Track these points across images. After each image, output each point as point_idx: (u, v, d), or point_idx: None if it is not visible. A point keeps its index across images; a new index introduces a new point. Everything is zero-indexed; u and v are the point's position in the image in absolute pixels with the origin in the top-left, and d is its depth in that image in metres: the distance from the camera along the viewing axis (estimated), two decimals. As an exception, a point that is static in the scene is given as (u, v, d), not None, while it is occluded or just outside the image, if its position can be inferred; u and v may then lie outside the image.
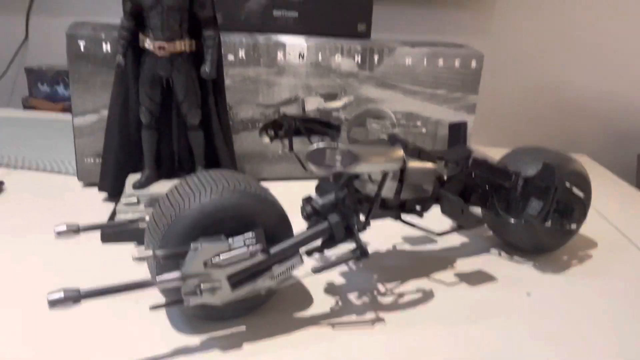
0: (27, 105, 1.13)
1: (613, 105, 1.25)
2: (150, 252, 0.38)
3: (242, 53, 0.71)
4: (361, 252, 0.42)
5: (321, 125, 0.51)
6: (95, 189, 0.66)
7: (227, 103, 0.63)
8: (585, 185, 0.57)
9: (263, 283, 0.41)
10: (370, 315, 0.46)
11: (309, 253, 0.44)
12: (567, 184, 0.54)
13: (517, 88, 1.24)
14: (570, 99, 1.25)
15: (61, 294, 0.34)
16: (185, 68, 0.57)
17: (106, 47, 0.66)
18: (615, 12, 1.18)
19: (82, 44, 0.65)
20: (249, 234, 0.39)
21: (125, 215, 0.56)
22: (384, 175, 0.44)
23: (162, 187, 0.60)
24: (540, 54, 1.22)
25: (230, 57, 0.71)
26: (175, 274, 0.37)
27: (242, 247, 0.39)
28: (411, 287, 0.51)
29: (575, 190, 0.54)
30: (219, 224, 0.40)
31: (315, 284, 0.50)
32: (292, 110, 0.75)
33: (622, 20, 1.19)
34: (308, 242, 0.42)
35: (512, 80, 1.23)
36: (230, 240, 0.39)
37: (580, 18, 1.19)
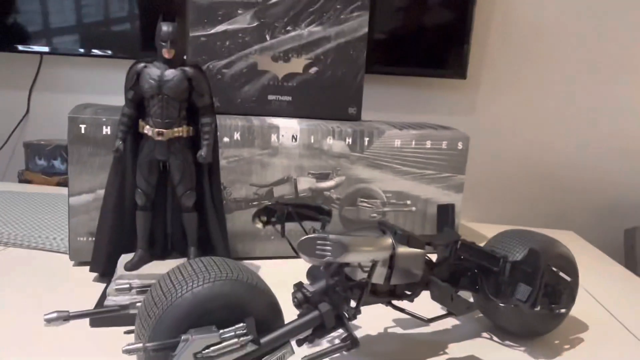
0: (22, 179, 1.14)
1: (599, 181, 1.29)
2: (140, 345, 0.37)
3: (237, 135, 0.74)
4: (352, 342, 0.43)
5: (312, 211, 0.52)
6: (86, 269, 0.66)
7: (221, 183, 0.65)
8: (572, 269, 0.58)
9: (253, 374, 0.40)
10: (361, 406, 0.45)
11: (300, 342, 0.44)
12: (554, 268, 0.55)
13: (503, 165, 1.28)
14: (555, 175, 1.29)
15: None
16: (182, 152, 0.60)
17: (106, 129, 0.69)
18: (596, 86, 1.24)
19: (83, 127, 0.68)
20: (240, 325, 0.39)
21: (115, 298, 0.56)
22: (374, 263, 0.45)
23: (154, 268, 0.60)
24: (525, 132, 1.27)
25: (226, 139, 0.74)
26: (164, 367, 0.37)
27: (233, 338, 0.39)
28: (403, 374, 0.50)
29: (562, 274, 0.55)
30: (211, 314, 0.40)
31: (305, 372, 0.49)
32: (284, 190, 0.77)
33: (604, 97, 1.25)
34: (299, 332, 0.42)
35: (497, 157, 1.27)
36: (221, 331, 0.39)
37: (561, 95, 1.25)
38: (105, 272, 0.64)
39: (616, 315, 0.67)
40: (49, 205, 0.93)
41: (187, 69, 0.58)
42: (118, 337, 0.41)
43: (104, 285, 0.62)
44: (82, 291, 0.63)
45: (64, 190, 1.03)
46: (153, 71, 0.58)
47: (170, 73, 0.58)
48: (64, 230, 0.80)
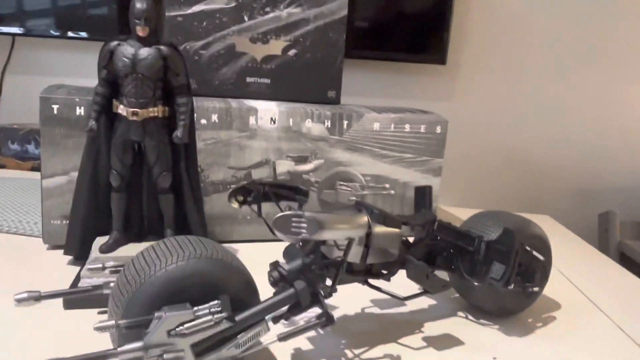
0: (-5, 164, 1.12)
1: (574, 167, 1.31)
2: (112, 322, 0.37)
3: (215, 117, 0.73)
4: (327, 319, 0.43)
5: (289, 191, 0.52)
6: (60, 252, 0.65)
7: (198, 166, 0.64)
8: (545, 249, 0.59)
9: (228, 352, 0.40)
10: (337, 383, 0.45)
11: (275, 320, 0.44)
12: (528, 248, 0.56)
13: (480, 150, 1.29)
14: (532, 160, 1.30)
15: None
16: (157, 133, 0.59)
17: (79, 110, 0.67)
18: (572, 74, 1.26)
19: (55, 107, 0.66)
20: (215, 302, 0.39)
21: (89, 280, 0.55)
22: (350, 241, 0.45)
23: (130, 250, 0.59)
24: (502, 117, 1.28)
25: (203, 121, 0.73)
26: (137, 344, 0.37)
27: (207, 315, 0.39)
28: (379, 352, 0.51)
29: (536, 253, 0.56)
30: (185, 292, 0.39)
31: (282, 351, 0.49)
32: (263, 172, 0.76)
33: (580, 82, 1.27)
34: (274, 309, 0.42)
35: (475, 142, 1.28)
36: (195, 308, 0.38)
37: (539, 82, 1.27)
38: (80, 256, 0.63)
39: (588, 294, 0.69)
40: (23, 189, 0.91)
41: (162, 47, 0.57)
42: (93, 320, 0.41)
43: (79, 268, 0.61)
44: (56, 275, 0.62)
45: (38, 175, 1.01)
46: (127, 49, 0.56)
47: (144, 51, 0.56)
48: (37, 214, 0.79)
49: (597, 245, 1.20)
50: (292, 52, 0.82)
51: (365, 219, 0.45)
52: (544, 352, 0.53)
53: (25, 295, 0.42)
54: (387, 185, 0.83)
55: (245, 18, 0.80)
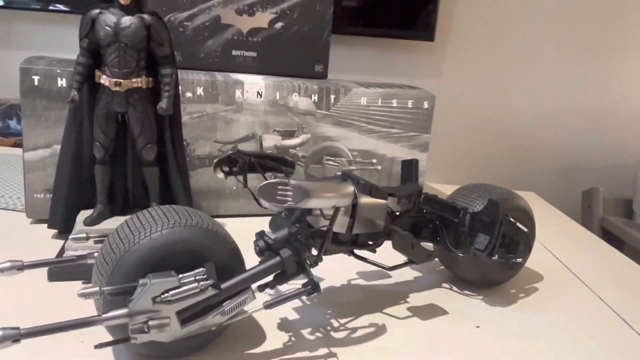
0: (-24, 140, 1.09)
1: (559, 145, 1.32)
2: (96, 289, 0.37)
3: (200, 90, 0.72)
4: (313, 287, 0.43)
5: (275, 162, 0.52)
6: (44, 226, 0.65)
7: (184, 139, 0.64)
8: (529, 220, 0.60)
9: (213, 319, 0.40)
10: (323, 351, 0.46)
11: (261, 288, 0.44)
12: (512, 219, 0.56)
13: (467, 128, 1.30)
14: (518, 138, 1.31)
15: (-1, 333, 0.33)
16: (141, 104, 0.58)
17: (61, 82, 0.66)
18: (558, 53, 1.26)
19: (36, 78, 0.65)
20: (200, 270, 0.39)
21: (74, 252, 0.55)
22: (335, 210, 0.45)
23: (114, 223, 0.59)
24: (489, 95, 1.28)
25: (188, 94, 0.72)
26: (122, 311, 0.37)
27: (193, 282, 0.38)
28: (364, 322, 0.51)
29: (520, 224, 0.57)
30: (169, 259, 0.39)
31: (267, 320, 0.49)
32: (249, 147, 0.76)
33: (565, 61, 1.27)
34: (260, 277, 0.42)
35: (462, 120, 1.29)
36: (180, 275, 0.38)
37: (526, 60, 1.27)
38: (64, 229, 0.63)
39: (571, 267, 0.70)
40: (4, 164, 0.90)
41: (145, 16, 0.56)
42: (77, 291, 0.40)
43: (63, 242, 0.61)
44: (40, 248, 0.61)
45: (21, 151, 0.99)
46: (109, 18, 0.55)
47: (127, 20, 0.55)
48: (20, 188, 0.78)
49: (580, 221, 1.22)
50: (278, 24, 0.81)
51: (351, 188, 0.45)
52: (527, 322, 0.54)
53: (8, 264, 0.41)
54: (374, 161, 0.83)
55: (231, -11, 0.78)
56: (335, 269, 0.58)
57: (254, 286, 0.43)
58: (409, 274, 0.63)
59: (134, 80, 0.57)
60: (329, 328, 0.50)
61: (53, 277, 0.54)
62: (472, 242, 0.53)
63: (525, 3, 1.23)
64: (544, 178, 1.33)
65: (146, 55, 0.57)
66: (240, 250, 0.44)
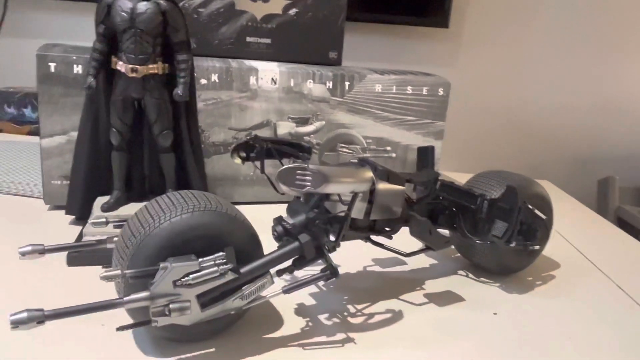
0: (-8, 128, 1.10)
1: (574, 133, 1.31)
2: (118, 272, 0.37)
3: (215, 77, 0.72)
4: (331, 272, 0.43)
5: (292, 148, 0.51)
6: (61, 213, 0.65)
7: (199, 126, 0.64)
8: (547, 208, 0.59)
9: (233, 303, 0.41)
10: (340, 336, 0.46)
11: (280, 273, 0.44)
12: (530, 206, 0.56)
13: (482, 116, 1.28)
14: (533, 126, 1.30)
15: (24, 315, 0.33)
16: (157, 90, 0.58)
17: (77, 68, 0.66)
18: (575, 41, 1.25)
19: (52, 65, 0.65)
20: (220, 254, 0.39)
21: (92, 237, 0.55)
22: (354, 196, 0.45)
23: (131, 209, 0.59)
24: (504, 83, 1.27)
25: (203, 81, 0.72)
26: (144, 294, 0.37)
27: (213, 266, 0.39)
28: (381, 308, 0.51)
29: (538, 212, 0.56)
30: (189, 244, 0.39)
31: (285, 305, 0.50)
32: (264, 134, 0.76)
33: (582, 49, 1.25)
34: (279, 262, 0.42)
35: (477, 108, 1.27)
36: (200, 259, 0.39)
37: (542, 48, 1.25)
38: (82, 215, 0.63)
39: (587, 255, 0.70)
40: (21, 152, 0.91)
41: (160, 1, 0.56)
42: (97, 275, 0.41)
43: (81, 228, 0.61)
44: (58, 234, 0.62)
45: (35, 139, 1.00)
46: (125, 3, 0.55)
47: (142, 6, 0.55)
48: (36, 175, 0.78)
49: (595, 210, 1.21)
50: (293, 11, 0.80)
51: (370, 173, 0.45)
52: (544, 309, 0.54)
53: (29, 248, 0.42)
54: (389, 148, 0.83)
55: (245, -25, 0.78)
56: (351, 255, 0.58)
57: (272, 271, 0.43)
58: (424, 260, 0.63)
59: (150, 66, 0.57)
60: (345, 314, 0.50)
61: (72, 261, 0.54)
62: (489, 229, 0.53)
63: (541, -11, 1.21)
64: (559, 166, 1.31)
65: (162, 41, 0.57)
66: (257, 235, 0.44)
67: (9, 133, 1.08)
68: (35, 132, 1.08)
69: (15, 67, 1.20)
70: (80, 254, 0.54)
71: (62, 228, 0.64)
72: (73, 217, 0.65)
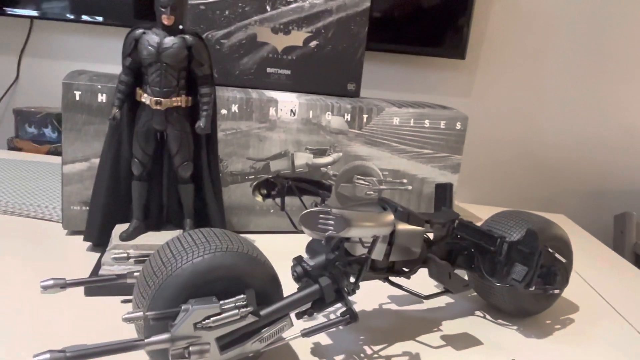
0: (12, 147, 1.12)
1: (591, 168, 1.30)
2: (140, 314, 0.37)
3: (235, 107, 0.73)
4: (351, 316, 0.43)
5: (313, 186, 0.52)
6: (80, 238, 0.66)
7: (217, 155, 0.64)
8: (567, 250, 0.58)
9: (252, 346, 0.40)
10: (357, 380, 0.46)
11: (299, 315, 0.44)
12: (550, 249, 0.55)
13: (497, 148, 1.28)
14: (549, 159, 1.29)
15: (47, 356, 0.33)
16: (180, 123, 0.58)
17: (101, 97, 0.67)
18: (591, 73, 1.24)
19: (77, 93, 0.66)
20: (241, 296, 0.39)
21: (110, 267, 0.56)
22: (375, 238, 0.45)
23: (149, 238, 0.60)
24: (520, 116, 1.27)
25: (223, 111, 0.72)
26: (164, 336, 0.37)
27: (233, 309, 0.39)
28: (398, 349, 0.51)
29: (558, 255, 0.56)
30: (210, 284, 0.39)
31: (301, 346, 0.49)
32: (281, 164, 0.76)
33: (598, 81, 1.25)
34: (299, 305, 0.42)
35: (492, 139, 1.27)
36: (221, 302, 0.39)
37: (559, 81, 1.25)
38: (99, 242, 0.64)
39: (605, 297, 0.69)
40: (40, 173, 0.92)
41: (187, 36, 0.57)
42: (114, 307, 0.41)
43: (98, 255, 0.62)
44: (76, 260, 0.62)
45: (54, 159, 1.01)
46: (152, 38, 0.56)
47: (169, 40, 0.56)
48: (55, 198, 0.79)
49: (611, 246, 1.19)
50: (313, 43, 0.81)
51: (391, 217, 0.45)
52: (563, 354, 0.53)
53: (51, 282, 0.42)
54: (405, 181, 0.82)
55: (268, 8, 0.79)
56: (367, 293, 0.58)
57: (291, 313, 0.42)
58: (441, 300, 0.62)
59: (174, 99, 0.57)
60: (362, 355, 0.49)
61: (90, 292, 0.54)
62: (508, 272, 0.53)
63: (557, 22, 1.21)
64: (574, 200, 1.30)
65: (186, 75, 0.58)
66: (278, 276, 0.44)
67: (29, 152, 1.10)
68: (54, 152, 1.10)
69: (37, 87, 1.22)
70: (99, 286, 0.54)
71: (79, 254, 0.64)
72: (90, 243, 0.65)
